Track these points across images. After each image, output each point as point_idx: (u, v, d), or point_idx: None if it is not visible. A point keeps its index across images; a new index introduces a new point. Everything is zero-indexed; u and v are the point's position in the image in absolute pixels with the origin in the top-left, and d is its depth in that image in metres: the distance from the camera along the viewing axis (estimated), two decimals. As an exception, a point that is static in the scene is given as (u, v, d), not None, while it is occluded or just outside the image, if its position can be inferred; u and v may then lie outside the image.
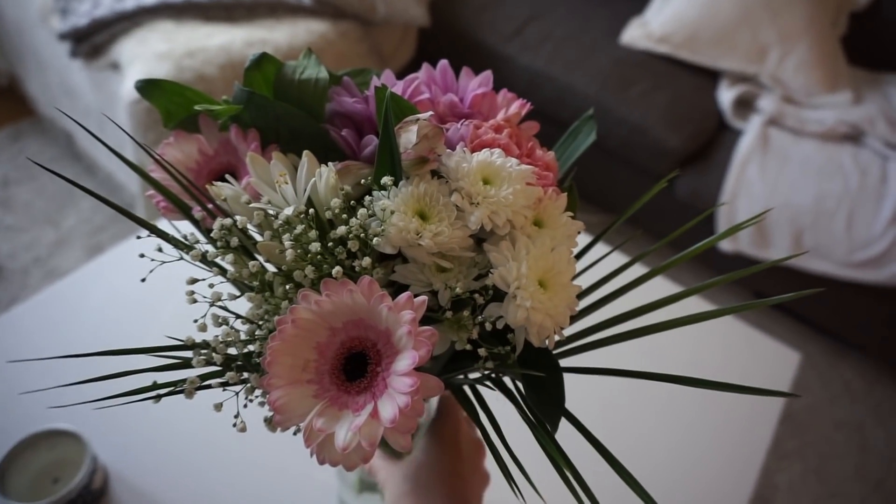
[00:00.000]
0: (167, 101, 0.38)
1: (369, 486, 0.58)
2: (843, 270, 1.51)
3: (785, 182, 1.55)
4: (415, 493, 0.39)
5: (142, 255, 0.33)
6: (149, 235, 0.34)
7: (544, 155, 0.37)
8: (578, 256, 0.40)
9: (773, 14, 1.74)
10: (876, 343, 1.67)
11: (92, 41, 1.42)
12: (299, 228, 0.30)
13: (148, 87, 0.37)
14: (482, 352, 0.32)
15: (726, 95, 1.72)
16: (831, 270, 1.52)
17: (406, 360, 0.25)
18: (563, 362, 0.35)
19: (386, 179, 0.32)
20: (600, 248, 0.42)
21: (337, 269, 0.29)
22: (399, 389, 0.25)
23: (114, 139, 1.57)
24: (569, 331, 0.40)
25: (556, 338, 0.32)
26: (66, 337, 0.79)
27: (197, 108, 0.36)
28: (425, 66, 0.39)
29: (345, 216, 0.31)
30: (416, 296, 0.29)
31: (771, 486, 1.46)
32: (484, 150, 0.33)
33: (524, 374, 0.33)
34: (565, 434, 0.33)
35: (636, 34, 1.84)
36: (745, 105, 1.73)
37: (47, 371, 0.75)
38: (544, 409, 0.32)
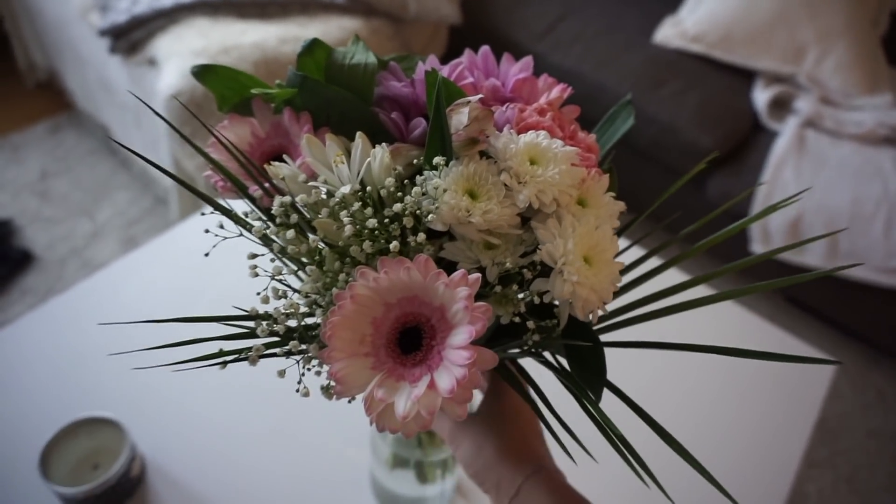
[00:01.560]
0: (222, 85, 0.39)
1: (401, 461, 0.59)
2: (880, 276, 1.47)
3: (821, 184, 1.52)
4: (494, 463, 0.41)
5: (206, 231, 0.35)
6: (212, 212, 0.35)
7: (586, 137, 0.38)
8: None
9: (812, 13, 1.71)
10: (912, 351, 1.63)
11: (130, 37, 1.45)
12: (355, 206, 0.31)
13: (203, 72, 0.38)
14: (531, 324, 0.33)
15: (761, 96, 1.69)
16: (867, 276, 1.48)
17: (463, 335, 0.27)
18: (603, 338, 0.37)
19: (438, 159, 0.33)
20: (624, 243, 0.44)
21: (395, 244, 0.30)
22: (456, 362, 0.26)
23: (150, 133, 1.60)
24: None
25: (600, 312, 0.34)
26: (103, 327, 0.81)
27: (253, 91, 0.38)
28: (468, 52, 0.40)
29: (399, 194, 0.32)
30: (448, 269, 0.31)
31: (801, 494, 1.43)
32: (530, 132, 0.34)
33: (567, 347, 0.34)
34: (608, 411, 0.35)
35: (669, 33, 1.82)
36: (780, 106, 1.70)
37: (85, 360, 0.77)
38: (588, 379, 0.33)
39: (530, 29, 1.89)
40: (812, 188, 1.52)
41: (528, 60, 0.39)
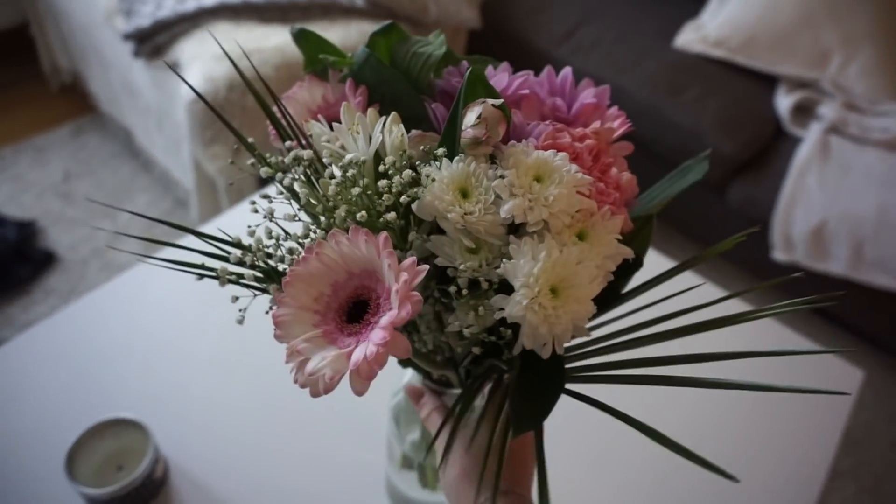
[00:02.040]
0: (311, 48, 0.42)
1: (409, 462, 0.60)
2: (906, 285, 1.45)
3: (845, 192, 1.49)
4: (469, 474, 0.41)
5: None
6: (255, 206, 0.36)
7: (620, 175, 0.36)
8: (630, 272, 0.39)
9: (836, 17, 1.68)
10: (938, 362, 1.60)
11: (154, 41, 1.47)
12: (350, 172, 0.32)
13: (298, 35, 0.42)
14: (467, 330, 0.32)
15: (784, 102, 1.67)
16: (893, 284, 1.46)
17: (388, 316, 0.28)
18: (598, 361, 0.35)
19: (439, 151, 0.33)
20: (659, 260, 0.42)
21: (361, 214, 0.31)
22: (373, 339, 0.27)
23: (172, 137, 1.62)
24: (607, 330, 0.39)
25: (549, 351, 0.32)
26: (128, 327, 0.82)
27: (321, 56, 0.41)
28: (548, 69, 0.40)
29: (390, 172, 0.32)
30: (439, 268, 0.32)
31: (823, 505, 1.41)
32: (550, 150, 0.33)
33: (519, 374, 0.33)
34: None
35: (691, 37, 1.80)
36: (804, 112, 1.68)
37: (109, 362, 0.78)
38: (519, 412, 0.32)
39: (549, 33, 1.89)
40: (836, 195, 1.49)
41: (605, 89, 0.39)
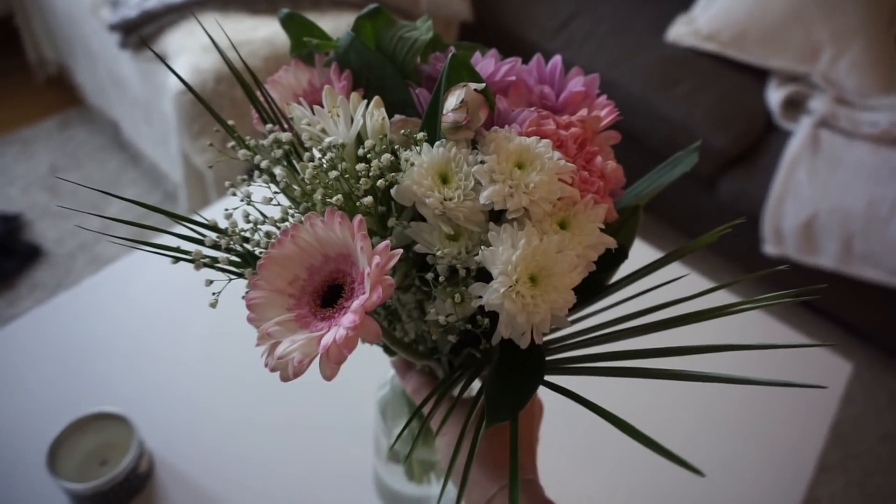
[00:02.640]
0: (297, 32, 0.42)
1: (395, 455, 0.60)
2: (895, 278, 1.45)
3: (835, 185, 1.50)
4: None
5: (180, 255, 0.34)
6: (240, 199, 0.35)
7: (605, 165, 0.36)
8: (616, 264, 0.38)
9: (827, 12, 1.68)
10: (926, 355, 1.61)
11: (141, 32, 1.45)
12: (329, 155, 0.31)
13: (286, 19, 0.42)
14: (444, 318, 0.32)
15: (775, 95, 1.67)
16: (882, 278, 1.46)
17: (359, 300, 0.27)
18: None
19: (420, 135, 0.32)
20: (646, 250, 0.41)
21: (338, 198, 0.30)
22: (343, 323, 0.27)
23: (160, 129, 1.60)
24: (592, 322, 0.39)
25: (527, 340, 0.31)
26: (113, 321, 0.81)
27: (305, 39, 0.40)
28: (537, 57, 0.39)
29: (368, 157, 0.32)
30: (420, 255, 0.32)
31: (813, 499, 1.42)
32: (533, 137, 0.32)
33: (497, 365, 0.33)
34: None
35: (682, 31, 1.80)
36: (794, 106, 1.68)
37: (92, 355, 0.77)
38: (494, 402, 0.31)
39: (542, 26, 1.88)
40: (826, 189, 1.50)
41: (594, 77, 0.39)
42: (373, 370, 0.59)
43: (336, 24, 1.57)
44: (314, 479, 0.69)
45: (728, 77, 1.72)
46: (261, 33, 1.46)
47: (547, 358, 0.36)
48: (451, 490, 0.65)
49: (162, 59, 0.35)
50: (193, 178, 1.58)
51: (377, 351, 0.46)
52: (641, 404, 0.63)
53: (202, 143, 1.42)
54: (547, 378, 0.33)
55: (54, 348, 0.77)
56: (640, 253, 0.38)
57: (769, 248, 1.57)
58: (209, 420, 0.72)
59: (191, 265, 0.34)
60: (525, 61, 0.40)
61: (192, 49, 1.40)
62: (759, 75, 1.74)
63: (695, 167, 0.45)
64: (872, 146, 1.55)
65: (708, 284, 0.94)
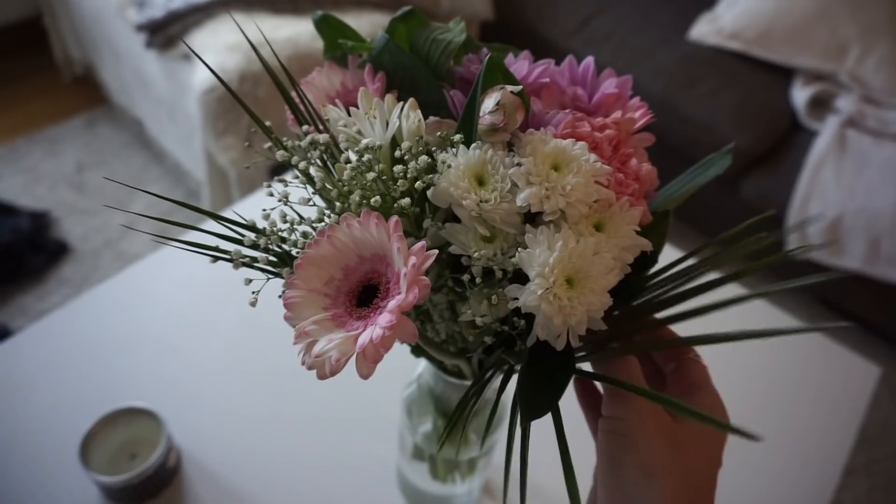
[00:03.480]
0: (331, 34, 0.42)
1: (419, 453, 0.60)
2: (923, 281, 1.43)
3: (862, 186, 1.47)
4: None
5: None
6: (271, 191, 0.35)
7: (640, 166, 0.36)
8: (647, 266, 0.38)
9: (854, 8, 1.66)
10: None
11: (166, 32, 1.47)
12: (366, 157, 0.32)
13: (321, 21, 0.42)
14: (480, 320, 0.32)
15: (801, 94, 1.65)
16: (910, 281, 1.44)
17: (395, 301, 0.28)
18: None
19: (456, 137, 0.32)
20: (674, 253, 0.40)
21: (376, 199, 0.31)
22: (380, 323, 0.27)
23: (184, 128, 1.62)
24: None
25: (563, 342, 0.31)
26: (140, 318, 0.82)
27: (340, 41, 0.41)
28: (570, 58, 0.39)
29: (406, 158, 0.32)
30: (453, 256, 0.32)
31: (837, 501, 1.40)
32: (569, 139, 0.33)
33: (527, 364, 0.33)
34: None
35: (706, 30, 1.78)
36: (820, 105, 1.66)
37: (122, 351, 0.78)
38: (528, 399, 0.31)
39: (562, 25, 1.87)
40: (853, 190, 1.47)
41: (627, 79, 0.38)
42: (399, 369, 0.59)
43: (357, 24, 1.58)
44: (338, 475, 0.69)
45: (752, 76, 1.70)
46: (283, 33, 1.47)
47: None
48: (475, 490, 0.65)
49: (198, 55, 0.36)
50: (216, 177, 1.60)
51: (404, 350, 0.46)
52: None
53: (226, 141, 1.44)
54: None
55: (84, 344, 0.79)
56: (664, 254, 0.38)
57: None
58: (235, 416, 0.73)
59: (217, 264, 0.34)
60: (540, 59, 0.40)
61: (216, 48, 1.42)
62: (784, 74, 1.72)
63: (726, 168, 0.44)
64: (901, 146, 1.53)
65: (737, 289, 0.93)
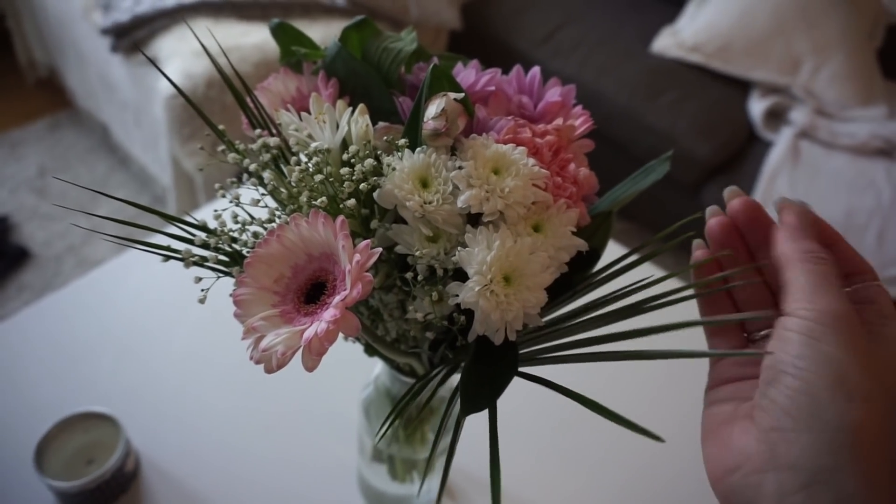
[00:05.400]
0: (287, 41, 0.43)
1: (378, 454, 0.61)
2: (873, 287, 1.48)
3: (814, 195, 1.53)
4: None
5: (168, 254, 0.35)
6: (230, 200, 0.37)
7: (578, 171, 0.37)
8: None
9: (808, 25, 1.72)
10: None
11: (132, 37, 1.46)
12: (315, 160, 0.33)
13: (276, 29, 0.43)
14: (423, 316, 0.33)
15: (757, 106, 1.70)
16: (860, 286, 1.50)
17: (340, 296, 0.29)
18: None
19: (402, 141, 0.34)
20: (614, 250, 0.42)
21: (322, 200, 0.32)
22: (324, 318, 0.28)
23: (150, 132, 1.61)
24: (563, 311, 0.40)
25: (501, 337, 0.33)
26: (101, 323, 0.82)
27: (293, 48, 0.42)
28: (517, 68, 0.41)
29: (353, 161, 0.33)
30: (402, 257, 0.33)
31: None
32: (510, 144, 0.34)
33: (473, 360, 0.34)
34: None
35: (668, 42, 1.83)
36: (776, 116, 1.72)
37: (81, 356, 0.78)
38: (470, 394, 0.32)
39: (530, 36, 1.91)
40: (806, 198, 1.53)
41: (570, 88, 0.40)
42: (356, 371, 0.60)
43: (327, 32, 1.59)
44: (299, 478, 0.70)
45: (712, 88, 1.76)
46: (251, 39, 1.47)
47: (522, 350, 0.37)
48: (433, 490, 0.66)
49: (156, 65, 0.36)
50: (183, 182, 1.59)
51: (360, 352, 0.47)
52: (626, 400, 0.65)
53: (192, 146, 1.43)
54: (522, 370, 0.34)
55: (42, 349, 0.78)
56: (616, 256, 0.40)
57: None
58: (195, 420, 0.73)
59: (178, 269, 0.35)
60: (509, 68, 0.41)
61: (183, 54, 1.42)
62: (742, 86, 1.78)
63: (679, 175, 0.46)
64: (851, 157, 1.59)
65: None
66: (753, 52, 1.74)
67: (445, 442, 0.59)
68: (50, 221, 1.75)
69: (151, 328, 0.82)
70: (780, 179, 1.56)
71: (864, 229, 1.48)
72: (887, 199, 1.49)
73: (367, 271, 0.29)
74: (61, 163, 1.93)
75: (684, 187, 1.68)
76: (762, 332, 0.33)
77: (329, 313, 0.28)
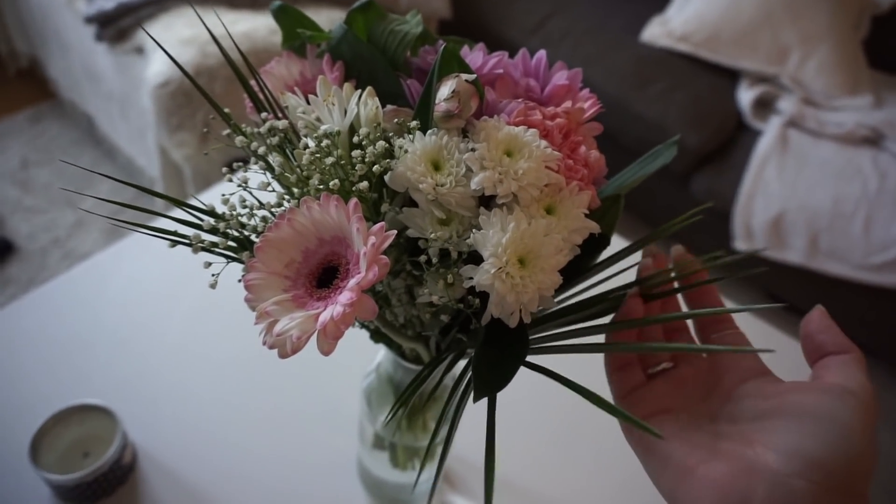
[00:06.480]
0: (289, 24, 0.42)
1: (380, 442, 0.61)
2: (860, 273, 1.50)
3: (803, 183, 1.54)
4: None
5: (170, 238, 0.35)
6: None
7: (589, 153, 0.37)
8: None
9: (795, 15, 1.74)
10: (886, 347, 1.67)
11: (118, 25, 1.43)
12: (325, 143, 0.32)
13: (278, 11, 0.42)
14: (436, 298, 0.33)
15: (746, 96, 1.71)
16: (847, 273, 1.52)
17: (356, 279, 0.28)
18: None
19: (413, 123, 0.33)
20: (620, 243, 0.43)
21: (334, 183, 0.31)
22: (341, 300, 0.28)
23: (136, 124, 1.58)
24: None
25: (516, 319, 0.33)
26: (92, 315, 0.80)
27: (298, 30, 0.41)
28: (523, 51, 0.40)
29: (364, 144, 0.33)
30: (410, 241, 0.33)
31: None
32: (521, 126, 0.34)
33: (482, 345, 0.34)
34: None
35: (656, 32, 1.84)
36: (764, 106, 1.73)
37: (76, 348, 0.76)
38: (481, 379, 0.32)
39: (519, 25, 1.90)
40: (794, 187, 1.54)
41: (577, 72, 0.40)
42: (357, 359, 0.60)
43: (316, 19, 1.57)
44: (298, 468, 0.69)
45: (701, 77, 1.76)
46: (240, 27, 1.45)
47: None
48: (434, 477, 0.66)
49: (159, 44, 0.35)
50: (171, 173, 1.57)
51: (362, 340, 0.47)
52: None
53: (180, 137, 1.41)
54: (528, 359, 0.34)
55: (36, 341, 0.77)
56: (615, 244, 0.40)
57: (739, 245, 1.61)
58: (192, 412, 0.73)
59: (170, 259, 0.34)
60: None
61: (169, 43, 1.39)
62: (731, 76, 1.79)
63: (668, 164, 0.47)
64: (838, 146, 1.61)
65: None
66: (741, 41, 1.75)
67: (446, 430, 0.59)
68: (34, 214, 1.72)
69: (145, 319, 0.81)
70: (769, 168, 1.57)
71: (850, 217, 1.49)
72: (874, 187, 1.51)
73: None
74: (45, 155, 1.90)
75: (674, 176, 1.69)
76: (659, 367, 0.36)
77: (345, 296, 0.28)
